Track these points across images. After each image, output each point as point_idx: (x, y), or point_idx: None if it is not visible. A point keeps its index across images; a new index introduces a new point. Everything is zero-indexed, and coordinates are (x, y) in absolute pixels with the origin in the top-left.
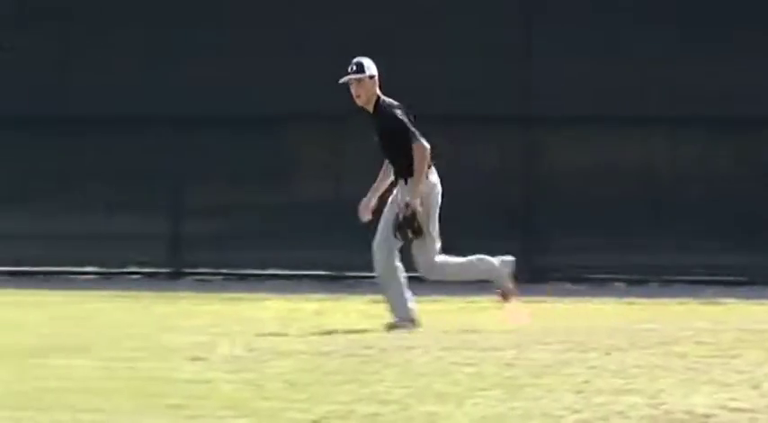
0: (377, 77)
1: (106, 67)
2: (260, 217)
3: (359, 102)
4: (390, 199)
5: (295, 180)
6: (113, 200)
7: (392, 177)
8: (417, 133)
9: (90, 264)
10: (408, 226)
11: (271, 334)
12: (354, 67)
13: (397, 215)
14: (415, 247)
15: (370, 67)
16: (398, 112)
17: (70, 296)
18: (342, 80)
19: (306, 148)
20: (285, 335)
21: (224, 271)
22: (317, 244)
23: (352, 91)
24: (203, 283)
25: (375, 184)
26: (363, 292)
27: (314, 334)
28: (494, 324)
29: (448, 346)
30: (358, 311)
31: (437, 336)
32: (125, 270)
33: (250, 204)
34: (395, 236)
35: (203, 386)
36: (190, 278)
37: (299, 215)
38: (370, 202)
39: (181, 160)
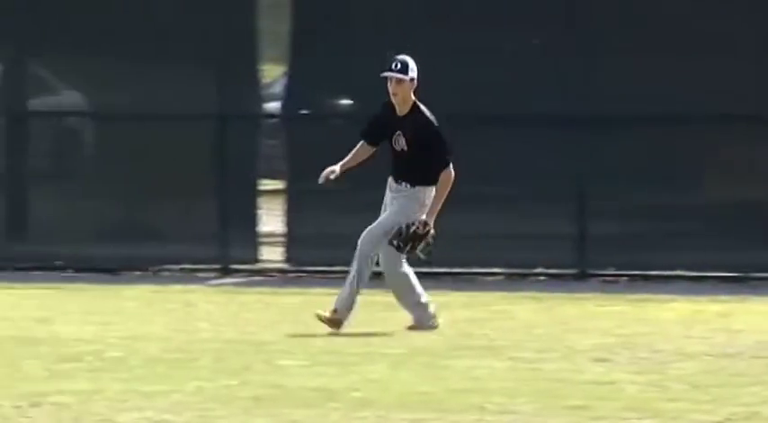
0: (416, 81)
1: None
2: (664, 217)
3: (394, 99)
4: (387, 199)
5: (697, 180)
6: (520, 200)
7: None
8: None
9: (496, 265)
10: (419, 241)
11: (675, 336)
12: (399, 66)
13: (407, 227)
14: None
15: (414, 69)
16: (438, 126)
17: (475, 297)
18: (383, 74)
19: (712, 149)
20: (689, 337)
21: (629, 272)
22: (720, 245)
23: (390, 88)
24: (608, 285)
25: (347, 160)
26: None
27: (718, 336)
28: None
29: None
30: (763, 313)
31: None
32: (532, 271)
33: (654, 205)
34: (392, 244)
35: (607, 387)
36: (595, 279)
37: (703, 216)
38: (335, 172)
39: (585, 161)
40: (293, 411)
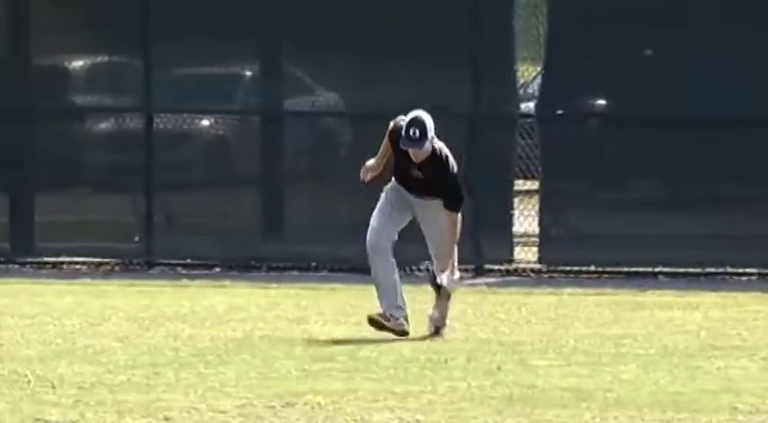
0: (434, 138)
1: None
2: None
3: (415, 158)
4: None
5: None
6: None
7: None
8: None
9: (750, 265)
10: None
11: None
12: (417, 135)
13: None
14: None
15: (431, 127)
16: (456, 172)
17: (728, 297)
18: (404, 147)
19: None
20: None
21: None
22: None
23: (412, 155)
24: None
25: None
26: None
27: None
28: None
29: None
30: None
31: None
32: None
33: None
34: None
35: None
36: None
37: None
38: (376, 170)
39: None
40: (545, 411)
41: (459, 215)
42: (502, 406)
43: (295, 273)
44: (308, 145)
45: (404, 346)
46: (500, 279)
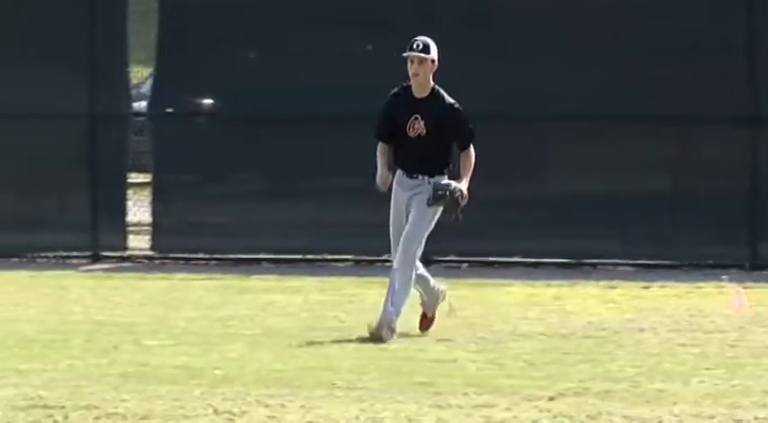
0: (437, 62)
1: None
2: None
3: (415, 80)
4: (400, 199)
5: None
6: None
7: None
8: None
9: (346, 252)
10: (457, 206)
11: (512, 317)
12: (420, 46)
13: (448, 195)
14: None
15: (435, 51)
16: (459, 106)
17: (326, 282)
18: (405, 54)
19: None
20: (525, 318)
21: (470, 258)
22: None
23: (412, 69)
24: (451, 270)
25: (384, 162)
26: (598, 279)
27: (552, 317)
28: (717, 308)
29: (675, 328)
30: (593, 296)
31: (665, 318)
32: (380, 258)
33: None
34: (436, 201)
35: (449, 365)
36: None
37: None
38: (389, 176)
39: None
40: (158, 388)
41: (472, 149)
42: (118, 383)
43: None
44: None
45: (26, 327)
46: (115, 265)
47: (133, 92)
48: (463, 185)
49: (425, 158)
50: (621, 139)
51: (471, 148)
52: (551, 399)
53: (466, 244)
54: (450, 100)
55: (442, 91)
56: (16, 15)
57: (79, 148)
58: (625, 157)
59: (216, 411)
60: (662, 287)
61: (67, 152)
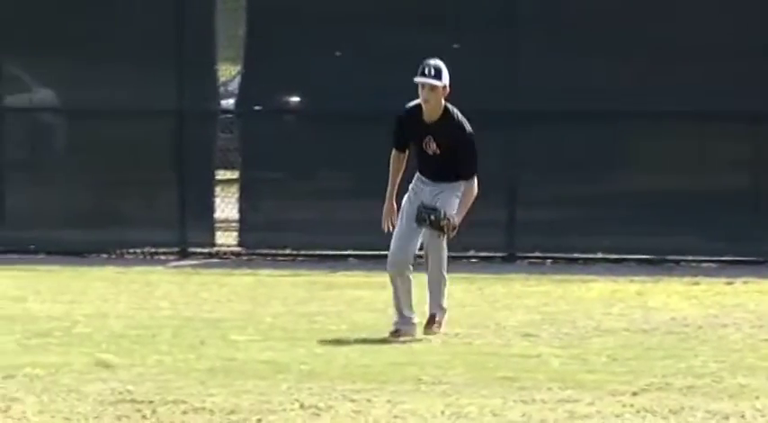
0: (448, 88)
1: None
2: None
3: (426, 106)
4: (413, 198)
5: None
6: None
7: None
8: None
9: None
10: (441, 231)
11: (595, 313)
12: (432, 72)
13: (433, 219)
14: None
15: (447, 76)
16: (471, 132)
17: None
18: (417, 80)
19: None
20: (609, 314)
21: (554, 255)
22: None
23: (423, 94)
24: (534, 266)
25: (393, 187)
26: (681, 275)
27: (635, 313)
28: None
29: (758, 324)
30: (676, 292)
31: (748, 314)
32: (465, 254)
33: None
34: (419, 223)
35: (533, 360)
36: (523, 262)
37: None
38: (394, 211)
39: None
40: (245, 382)
41: (476, 183)
42: (205, 377)
43: (15, 256)
44: (26, 139)
45: (115, 323)
46: (203, 261)
47: (221, 89)
48: (456, 215)
49: (444, 171)
50: (705, 137)
51: (474, 180)
52: (634, 394)
53: (549, 241)
54: (461, 122)
55: (454, 111)
56: (106, 13)
57: (168, 145)
58: (708, 154)
59: (302, 406)
60: (745, 283)
61: (156, 149)
